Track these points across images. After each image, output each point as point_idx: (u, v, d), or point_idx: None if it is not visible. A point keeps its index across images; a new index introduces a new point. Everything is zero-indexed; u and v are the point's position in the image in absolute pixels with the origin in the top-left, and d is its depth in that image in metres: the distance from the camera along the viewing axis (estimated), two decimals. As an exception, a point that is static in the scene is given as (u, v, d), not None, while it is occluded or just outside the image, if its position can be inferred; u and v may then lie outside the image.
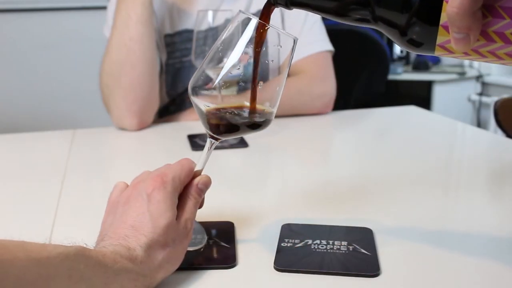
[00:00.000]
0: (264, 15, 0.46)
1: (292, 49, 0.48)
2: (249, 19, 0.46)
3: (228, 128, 0.49)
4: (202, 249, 0.51)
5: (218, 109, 0.48)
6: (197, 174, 0.50)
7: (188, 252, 0.49)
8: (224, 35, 0.47)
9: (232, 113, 0.48)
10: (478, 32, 0.37)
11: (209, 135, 0.50)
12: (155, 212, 0.44)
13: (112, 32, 1.02)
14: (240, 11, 0.47)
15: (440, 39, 0.38)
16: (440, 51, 0.39)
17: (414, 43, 0.40)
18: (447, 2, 0.36)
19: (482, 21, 0.36)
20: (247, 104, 0.47)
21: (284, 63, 0.49)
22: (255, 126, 0.49)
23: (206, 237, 0.53)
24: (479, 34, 0.37)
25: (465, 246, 0.53)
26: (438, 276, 0.47)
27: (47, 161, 0.86)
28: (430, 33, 0.38)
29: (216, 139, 0.50)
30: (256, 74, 0.47)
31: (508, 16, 0.36)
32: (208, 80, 0.48)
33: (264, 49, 0.47)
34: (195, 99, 0.48)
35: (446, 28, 0.37)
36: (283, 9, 0.45)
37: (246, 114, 0.48)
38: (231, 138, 0.51)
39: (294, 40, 0.47)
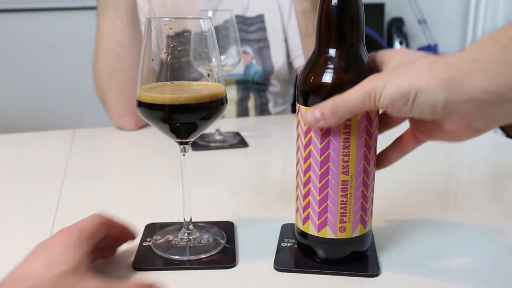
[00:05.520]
0: None
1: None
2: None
3: (184, 124, 0.49)
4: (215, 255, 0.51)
5: (165, 111, 0.48)
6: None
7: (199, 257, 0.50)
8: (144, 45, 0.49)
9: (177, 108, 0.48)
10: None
11: (177, 142, 0.51)
12: (51, 258, 0.41)
13: (99, 38, 0.99)
14: (147, 18, 0.49)
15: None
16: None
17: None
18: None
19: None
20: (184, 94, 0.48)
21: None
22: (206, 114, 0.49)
23: (223, 242, 0.52)
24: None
25: (465, 246, 0.53)
26: (438, 276, 0.47)
27: (47, 161, 0.86)
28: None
29: (185, 143, 0.51)
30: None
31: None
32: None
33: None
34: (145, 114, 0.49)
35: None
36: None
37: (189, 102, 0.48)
38: (197, 134, 0.50)
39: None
